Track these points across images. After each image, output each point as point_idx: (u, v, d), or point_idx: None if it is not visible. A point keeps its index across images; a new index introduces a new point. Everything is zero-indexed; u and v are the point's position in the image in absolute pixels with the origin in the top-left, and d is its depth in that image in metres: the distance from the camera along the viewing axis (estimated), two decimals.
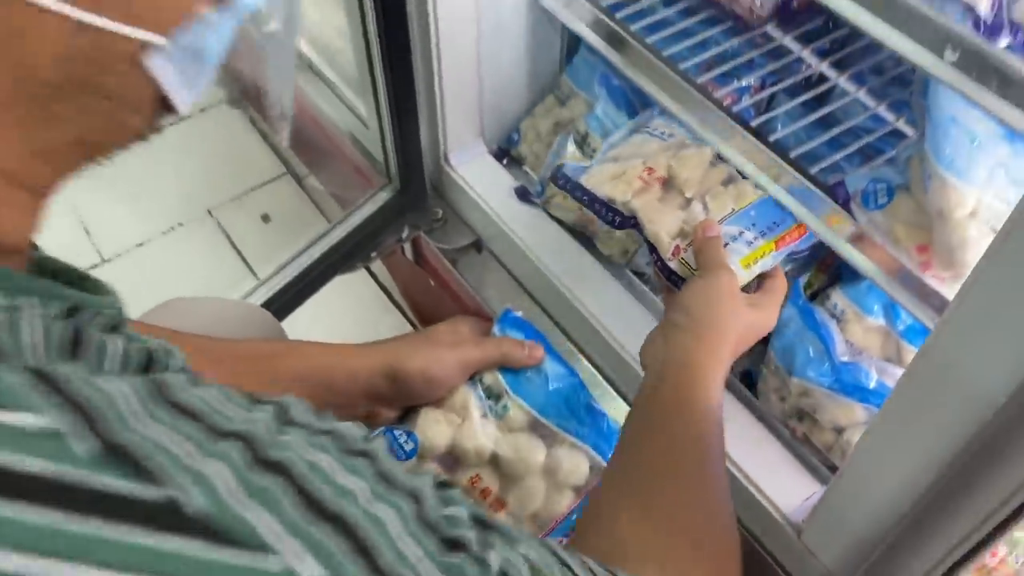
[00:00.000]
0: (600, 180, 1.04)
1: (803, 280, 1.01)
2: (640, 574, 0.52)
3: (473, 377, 0.88)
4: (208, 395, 0.34)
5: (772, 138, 0.97)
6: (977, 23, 0.68)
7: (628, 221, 1.00)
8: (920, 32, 0.70)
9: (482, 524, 0.40)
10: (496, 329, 0.89)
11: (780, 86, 1.09)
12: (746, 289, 0.89)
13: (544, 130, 1.27)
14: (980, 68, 0.67)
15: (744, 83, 1.09)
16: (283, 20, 0.46)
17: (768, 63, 1.12)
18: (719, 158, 1.02)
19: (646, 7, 1.15)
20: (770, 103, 1.14)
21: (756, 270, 0.91)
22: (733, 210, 0.95)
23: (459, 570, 0.35)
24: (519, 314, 0.90)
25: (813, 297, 1.05)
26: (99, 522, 0.27)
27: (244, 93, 0.49)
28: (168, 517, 0.28)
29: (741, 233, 0.92)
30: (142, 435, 0.29)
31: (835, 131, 1.02)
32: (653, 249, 0.95)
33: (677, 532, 0.60)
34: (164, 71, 0.38)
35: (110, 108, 0.38)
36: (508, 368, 0.87)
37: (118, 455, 0.28)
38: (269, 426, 0.34)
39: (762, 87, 1.12)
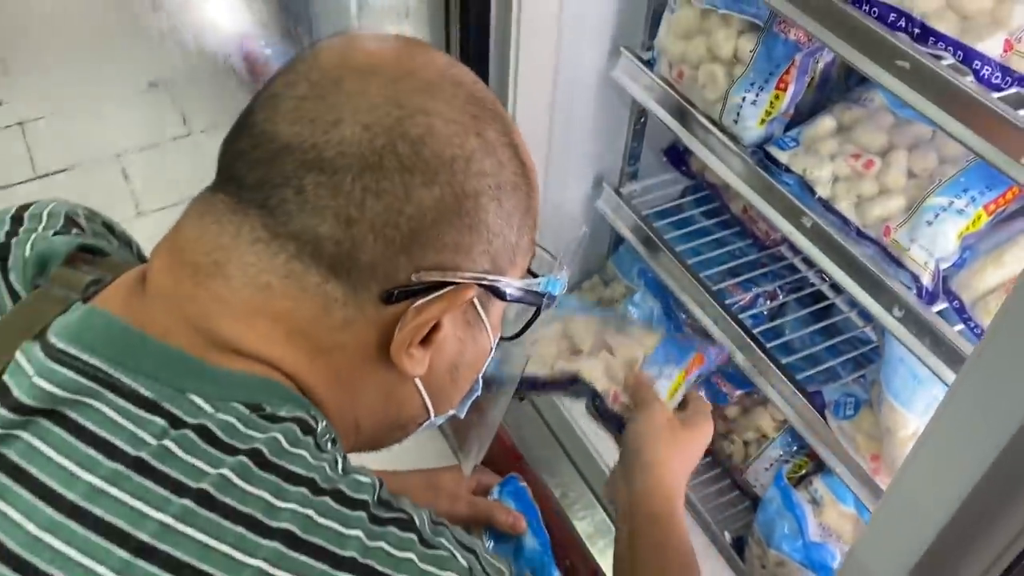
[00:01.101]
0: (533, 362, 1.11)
1: (788, 467, 1.18)
2: None
3: None
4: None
5: (778, 341, 1.18)
6: (920, 290, 0.88)
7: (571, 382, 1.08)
8: (874, 291, 0.91)
9: None
10: (495, 491, 1.00)
11: (790, 297, 1.30)
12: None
13: (588, 303, 1.49)
14: (918, 327, 0.87)
15: (761, 290, 1.30)
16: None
17: (785, 275, 1.33)
18: None
19: (687, 216, 1.38)
20: (781, 309, 1.33)
21: (678, 398, 1.05)
22: (644, 356, 1.08)
23: None
24: (523, 485, 1.01)
25: (801, 480, 1.22)
26: None
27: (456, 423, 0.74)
28: None
29: (661, 371, 1.06)
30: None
31: (832, 341, 1.22)
32: (596, 397, 1.06)
33: None
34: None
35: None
36: (492, 529, 0.97)
37: None
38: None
39: (775, 296, 1.32)
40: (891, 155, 0.94)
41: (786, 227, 0.98)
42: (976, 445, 0.58)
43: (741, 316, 1.25)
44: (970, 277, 0.87)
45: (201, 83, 2.58)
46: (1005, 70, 0.76)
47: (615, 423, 1.03)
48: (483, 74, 1.24)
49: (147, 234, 0.62)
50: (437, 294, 0.55)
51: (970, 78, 0.77)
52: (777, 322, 1.25)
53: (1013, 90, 0.76)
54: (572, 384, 1.08)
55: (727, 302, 1.25)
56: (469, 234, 0.55)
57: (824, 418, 1.03)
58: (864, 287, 0.92)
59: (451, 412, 0.68)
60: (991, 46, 0.77)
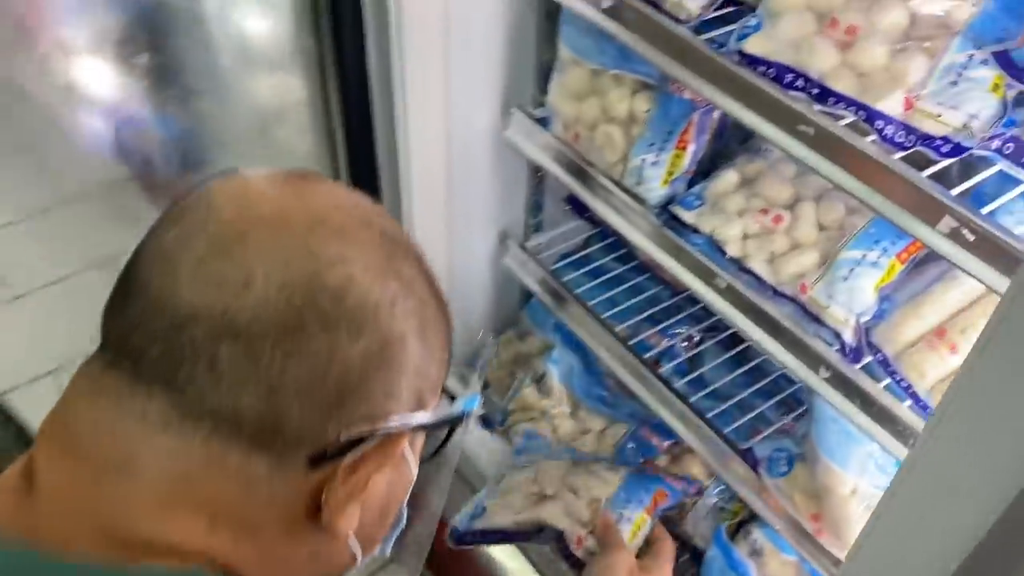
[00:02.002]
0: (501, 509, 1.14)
1: (725, 514, 1.16)
2: None
3: None
4: None
5: (703, 393, 1.15)
6: (843, 347, 0.86)
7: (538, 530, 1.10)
8: (797, 351, 0.88)
9: None
10: None
11: (710, 342, 1.27)
12: (640, 555, 1.07)
13: (506, 359, 1.43)
14: (846, 388, 0.85)
15: (679, 335, 1.27)
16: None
17: (702, 317, 1.30)
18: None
19: (599, 265, 1.33)
20: (701, 354, 1.30)
21: (640, 536, 1.09)
22: (607, 496, 1.11)
23: None
24: None
25: (739, 527, 1.19)
26: None
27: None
28: None
29: (621, 514, 1.08)
30: None
31: (758, 384, 1.20)
32: (560, 541, 1.08)
33: None
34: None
35: None
36: None
37: None
38: None
39: (693, 340, 1.29)
40: (799, 208, 0.91)
41: (700, 288, 0.95)
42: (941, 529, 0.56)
43: (661, 363, 1.23)
44: (891, 331, 0.85)
45: (69, 149, 2.42)
46: (908, 128, 0.74)
47: (577, 567, 1.06)
48: (369, 137, 1.18)
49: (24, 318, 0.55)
50: (368, 446, 0.51)
51: (872, 137, 0.75)
52: (699, 371, 1.21)
53: (918, 148, 0.74)
54: (538, 532, 1.11)
55: (646, 352, 1.22)
56: (397, 378, 0.52)
57: (758, 475, 1.00)
58: (787, 348, 0.89)
59: (375, 552, 0.63)
60: (891, 105, 0.74)
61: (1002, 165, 0.75)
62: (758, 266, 0.91)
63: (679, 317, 1.29)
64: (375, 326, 0.50)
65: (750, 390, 1.18)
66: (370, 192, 1.22)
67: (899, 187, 0.70)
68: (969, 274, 0.67)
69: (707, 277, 0.94)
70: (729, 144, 1.05)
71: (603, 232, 1.36)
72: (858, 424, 0.84)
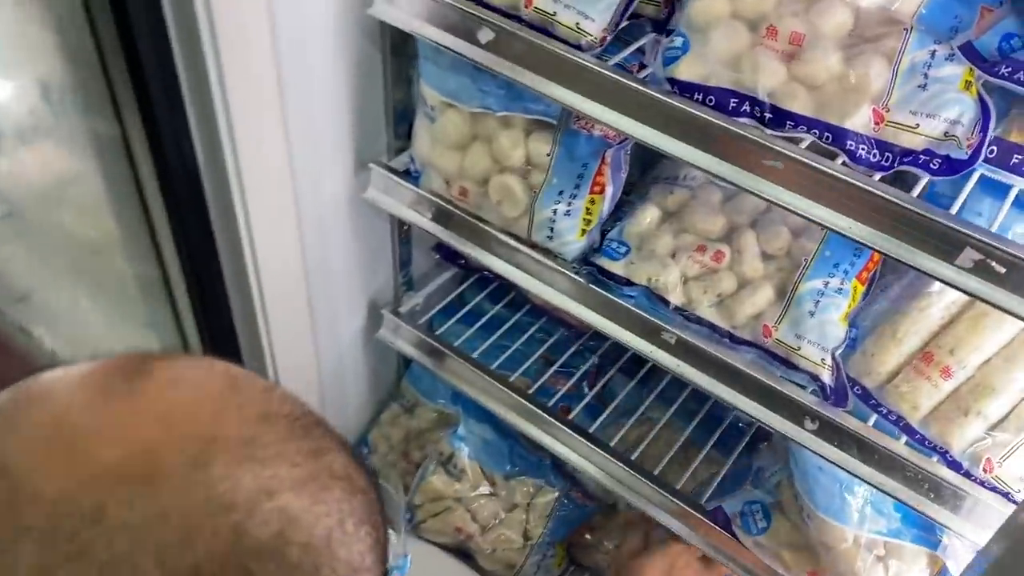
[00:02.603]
0: None
1: None
2: None
3: None
4: None
5: (638, 450, 1.02)
6: (823, 390, 0.76)
7: None
8: (774, 404, 0.77)
9: None
10: None
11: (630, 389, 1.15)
12: None
13: (396, 439, 1.25)
14: (840, 437, 0.74)
15: (580, 376, 1.14)
16: None
17: (596, 347, 1.18)
18: None
19: (492, 317, 1.18)
20: (607, 387, 1.18)
21: None
22: None
23: None
24: None
25: None
26: None
27: None
28: None
29: None
30: None
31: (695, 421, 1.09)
32: None
33: None
34: None
35: None
36: None
37: None
38: None
39: (597, 373, 1.17)
40: (738, 239, 0.80)
41: (645, 347, 0.82)
42: None
43: (572, 407, 1.10)
44: (867, 361, 0.76)
45: None
46: (883, 146, 0.64)
47: None
48: (204, 223, 0.94)
49: None
50: None
51: (841, 160, 0.65)
52: (624, 421, 1.09)
53: (901, 167, 0.64)
54: None
55: (562, 406, 1.09)
56: None
57: (734, 535, 0.89)
58: (761, 403, 0.78)
59: None
60: (860, 120, 0.64)
61: (984, 170, 0.67)
62: (707, 312, 0.79)
63: (589, 362, 1.16)
64: (332, 564, 0.38)
65: (689, 429, 1.07)
66: (211, 290, 1.02)
67: (904, 220, 0.59)
68: (1007, 311, 0.57)
69: (652, 334, 0.81)
70: (630, 171, 0.92)
71: (484, 278, 1.20)
72: (860, 476, 0.74)
